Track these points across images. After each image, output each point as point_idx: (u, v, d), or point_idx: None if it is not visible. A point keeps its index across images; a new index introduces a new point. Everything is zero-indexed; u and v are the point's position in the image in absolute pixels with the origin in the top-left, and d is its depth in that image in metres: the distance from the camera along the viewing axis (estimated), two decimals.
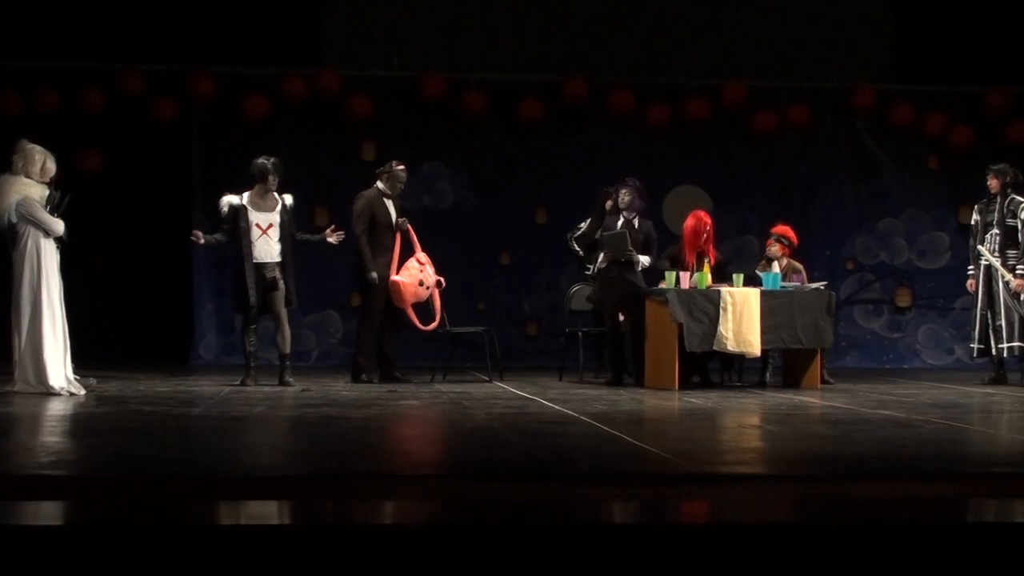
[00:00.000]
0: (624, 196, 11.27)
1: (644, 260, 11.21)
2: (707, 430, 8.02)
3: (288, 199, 10.89)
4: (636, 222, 11.32)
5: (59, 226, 9.60)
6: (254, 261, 10.71)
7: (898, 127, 14.90)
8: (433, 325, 11.39)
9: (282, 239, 10.78)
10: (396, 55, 14.21)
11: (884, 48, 15.17)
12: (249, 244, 10.69)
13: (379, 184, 11.38)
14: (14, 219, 9.55)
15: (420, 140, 14.41)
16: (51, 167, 9.75)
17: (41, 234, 9.54)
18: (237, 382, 10.76)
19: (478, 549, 4.35)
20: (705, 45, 14.53)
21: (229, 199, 10.82)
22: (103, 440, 7.22)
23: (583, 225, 12.23)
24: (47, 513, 4.87)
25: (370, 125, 14.21)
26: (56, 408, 8.64)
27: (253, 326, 10.86)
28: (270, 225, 10.75)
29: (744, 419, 8.64)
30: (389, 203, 11.35)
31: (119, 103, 13.62)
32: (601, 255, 11.23)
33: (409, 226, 11.34)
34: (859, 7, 15.10)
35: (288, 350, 10.95)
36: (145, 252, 14.07)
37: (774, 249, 11.90)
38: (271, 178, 10.79)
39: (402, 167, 11.45)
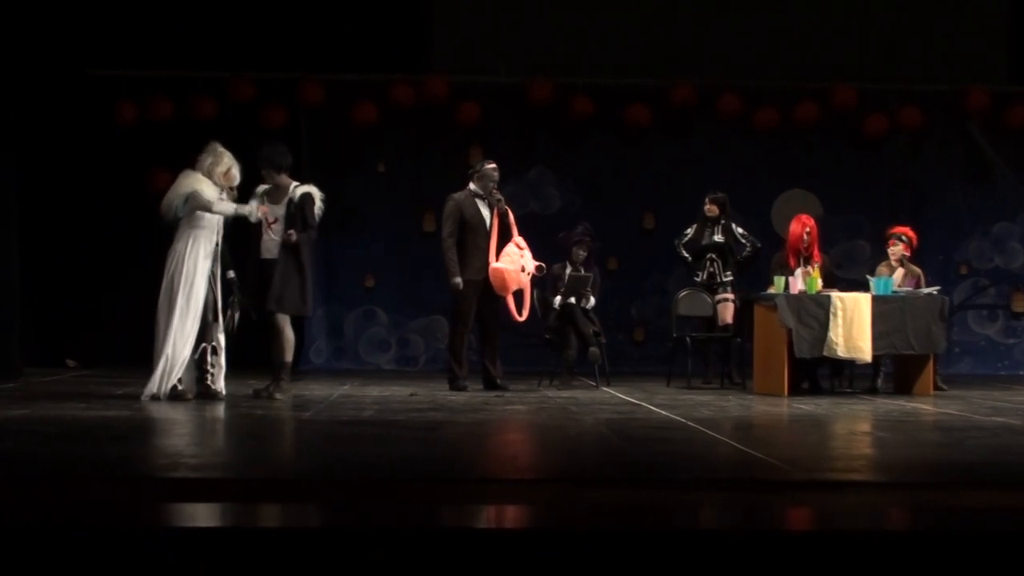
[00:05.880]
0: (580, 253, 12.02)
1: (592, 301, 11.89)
2: (817, 437, 7.94)
3: (300, 190, 10.02)
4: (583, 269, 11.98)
5: (228, 208, 9.58)
6: (260, 257, 9.95)
7: (1013, 129, 14.64)
8: (526, 314, 11.08)
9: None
10: (503, 61, 14.23)
11: (998, 49, 14.89)
12: (257, 240, 9.98)
13: (471, 185, 11.17)
14: (180, 214, 9.61)
15: (527, 145, 14.44)
16: (236, 175, 9.78)
17: (198, 237, 9.56)
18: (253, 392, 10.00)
19: (586, 554, 4.35)
20: (814, 48, 14.37)
21: (260, 188, 10.13)
22: (215, 444, 7.35)
23: (689, 231, 12.21)
24: (164, 515, 4.95)
25: (477, 131, 14.25)
26: (167, 412, 8.78)
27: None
28: (275, 219, 9.96)
29: (855, 426, 8.55)
30: (482, 203, 11.09)
31: (230, 111, 13.81)
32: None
33: (508, 208, 11.00)
34: (972, 7, 14.85)
35: (286, 358, 9.96)
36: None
37: (897, 248, 11.75)
38: (264, 171, 10.07)
39: (492, 166, 11.18)
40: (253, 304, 9.95)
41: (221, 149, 9.83)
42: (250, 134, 13.47)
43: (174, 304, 9.50)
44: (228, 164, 9.78)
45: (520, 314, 11.03)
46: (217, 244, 9.71)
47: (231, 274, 9.84)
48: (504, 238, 11.03)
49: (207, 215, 9.61)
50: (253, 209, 9.79)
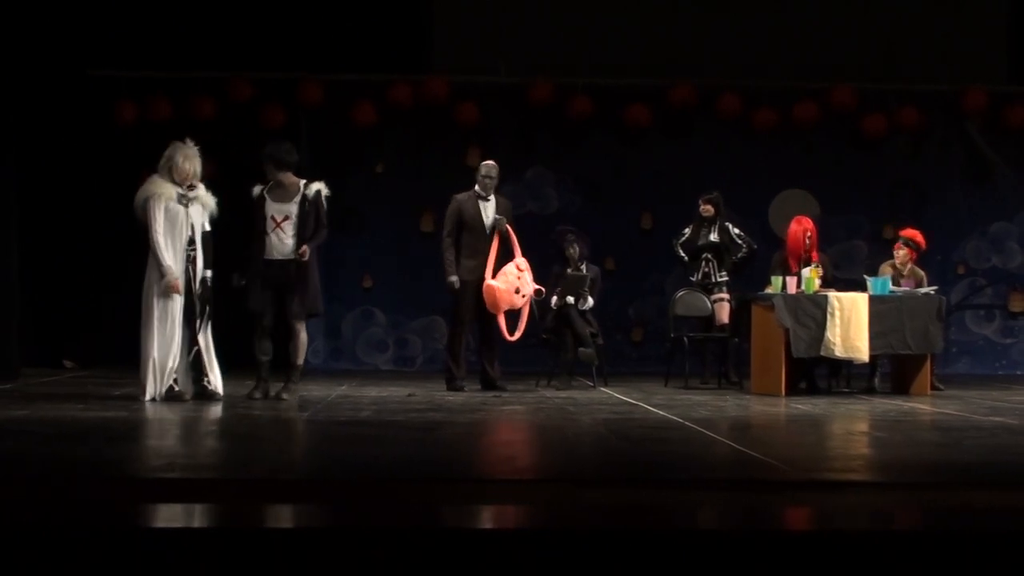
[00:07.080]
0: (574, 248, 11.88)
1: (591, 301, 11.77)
2: (814, 436, 7.95)
3: (313, 188, 9.98)
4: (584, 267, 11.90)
5: (158, 236, 9.46)
6: (266, 258, 9.84)
7: (1012, 129, 14.64)
8: (518, 335, 11.14)
9: (298, 235, 9.84)
10: (503, 61, 14.22)
11: (998, 49, 14.89)
12: (262, 239, 9.87)
13: (477, 186, 11.16)
14: (138, 216, 9.59)
15: (526, 146, 14.43)
16: (186, 168, 9.59)
17: (167, 237, 9.52)
18: (246, 393, 9.93)
19: (585, 554, 4.35)
20: (814, 48, 14.36)
21: (257, 188, 10.06)
22: (213, 444, 7.35)
23: (687, 231, 12.22)
24: (162, 516, 4.96)
25: (477, 131, 14.24)
26: (165, 412, 8.79)
27: (264, 333, 9.90)
28: (285, 218, 9.83)
29: (852, 425, 8.56)
30: (484, 204, 11.06)
31: (230, 111, 13.80)
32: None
33: (509, 227, 11.02)
34: (972, 7, 14.85)
35: (299, 360, 9.95)
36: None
37: (901, 253, 11.75)
38: (265, 167, 9.99)
39: (488, 163, 11.17)
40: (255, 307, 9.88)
41: (175, 143, 9.74)
42: (250, 134, 13.50)
43: (151, 307, 9.49)
44: (175, 157, 9.62)
45: (512, 334, 11.05)
46: (193, 241, 9.64)
47: (208, 273, 9.77)
48: (506, 257, 11.03)
49: (172, 215, 9.56)
50: (168, 274, 9.50)
